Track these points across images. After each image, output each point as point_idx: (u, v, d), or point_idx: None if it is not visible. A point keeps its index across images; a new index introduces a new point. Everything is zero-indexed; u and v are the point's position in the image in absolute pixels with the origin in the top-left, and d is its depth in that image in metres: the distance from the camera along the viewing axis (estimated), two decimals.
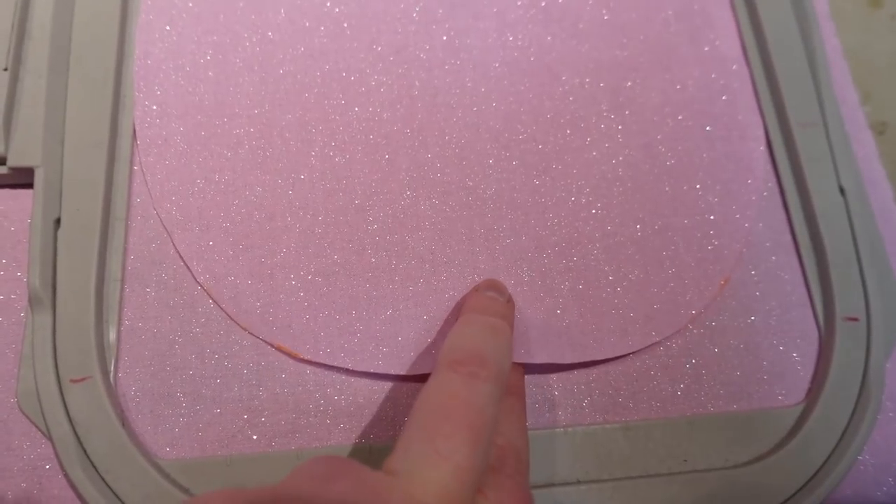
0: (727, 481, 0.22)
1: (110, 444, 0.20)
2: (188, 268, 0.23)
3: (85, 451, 0.20)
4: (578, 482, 0.21)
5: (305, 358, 0.22)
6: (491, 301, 0.22)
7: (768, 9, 0.28)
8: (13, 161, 0.22)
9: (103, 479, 0.20)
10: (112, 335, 0.22)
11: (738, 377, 0.23)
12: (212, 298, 0.22)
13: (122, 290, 0.22)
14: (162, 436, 0.21)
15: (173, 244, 0.23)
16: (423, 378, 0.22)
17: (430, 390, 0.17)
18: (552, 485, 0.21)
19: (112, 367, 0.21)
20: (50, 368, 0.20)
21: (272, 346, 0.22)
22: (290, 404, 0.22)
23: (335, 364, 0.22)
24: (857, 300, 0.24)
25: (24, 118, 0.23)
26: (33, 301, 0.21)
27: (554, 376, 0.23)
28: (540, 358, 0.22)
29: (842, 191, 0.26)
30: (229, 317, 0.22)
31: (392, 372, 0.22)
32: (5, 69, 0.23)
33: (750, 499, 0.21)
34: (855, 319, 0.24)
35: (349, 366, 0.22)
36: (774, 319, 0.24)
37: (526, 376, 0.23)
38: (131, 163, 0.24)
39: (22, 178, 0.23)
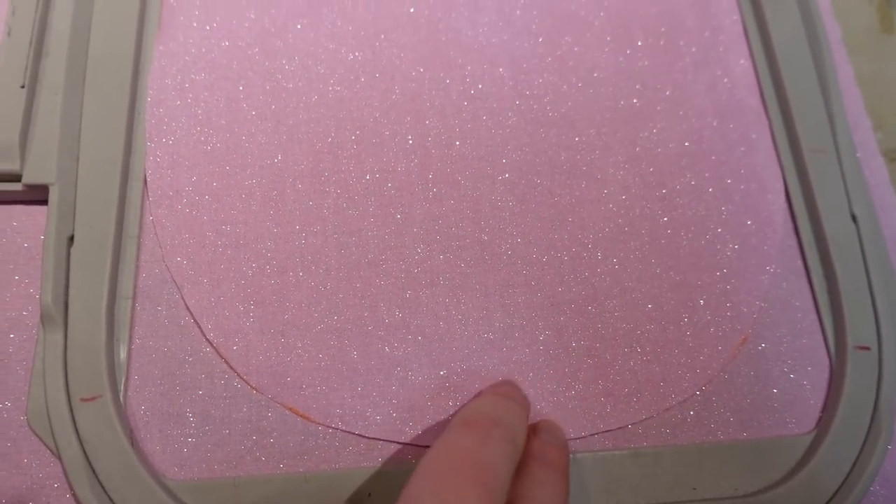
0: None
1: (119, 464, 0.20)
2: (198, 325, 0.22)
3: (94, 471, 0.20)
4: None
5: (319, 422, 0.22)
6: (548, 447, 0.20)
7: (781, 36, 0.28)
8: (28, 178, 0.22)
9: (111, 499, 0.20)
10: (123, 354, 0.22)
11: (749, 405, 0.23)
12: (221, 357, 0.22)
13: (134, 308, 0.22)
14: (170, 456, 0.21)
15: (183, 299, 0.23)
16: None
17: (441, 444, 0.17)
18: None
19: (122, 386, 0.21)
20: (60, 387, 0.20)
21: (284, 406, 0.22)
22: (298, 426, 0.22)
23: (348, 430, 0.22)
24: (869, 329, 0.24)
25: (40, 135, 0.23)
26: (45, 318, 0.21)
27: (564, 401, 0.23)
28: None
29: (854, 218, 0.25)
30: (239, 376, 0.22)
31: (405, 441, 0.22)
32: (22, 86, 0.23)
33: None
34: (867, 349, 0.24)
35: (362, 432, 0.22)
36: (785, 347, 0.24)
37: (536, 402, 0.22)
38: (144, 181, 0.24)
39: (36, 195, 0.23)
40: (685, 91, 0.28)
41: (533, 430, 0.21)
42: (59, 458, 0.20)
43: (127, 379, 0.22)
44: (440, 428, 0.22)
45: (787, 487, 0.22)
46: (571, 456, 0.22)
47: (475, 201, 0.25)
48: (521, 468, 0.19)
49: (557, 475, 0.19)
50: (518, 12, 0.28)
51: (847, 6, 0.31)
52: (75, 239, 0.22)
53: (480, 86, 0.27)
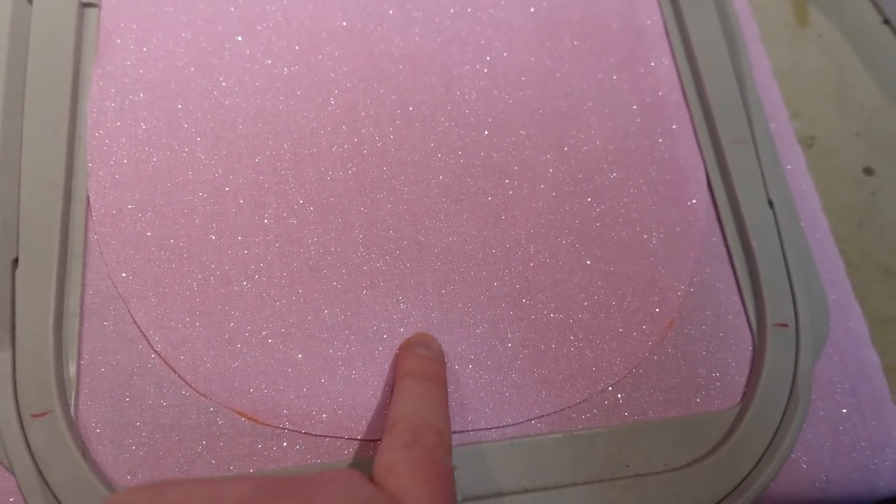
0: (666, 484, 0.23)
1: (71, 476, 0.21)
2: (145, 337, 0.23)
3: (47, 484, 0.21)
4: (525, 490, 0.22)
5: (265, 423, 0.23)
6: (424, 361, 0.23)
7: (700, 35, 0.30)
8: None
9: None
10: (72, 369, 0.23)
11: (677, 384, 0.25)
12: (169, 366, 0.23)
13: (81, 325, 0.23)
14: (123, 465, 0.22)
15: (130, 313, 0.23)
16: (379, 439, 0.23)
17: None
18: (501, 494, 0.22)
19: (73, 401, 0.22)
20: (10, 405, 0.21)
21: (232, 410, 0.23)
22: (247, 428, 0.23)
23: (296, 429, 0.23)
24: (787, 307, 0.25)
25: None
26: None
27: (502, 391, 0.24)
28: (496, 421, 0.23)
29: (770, 203, 0.27)
30: (187, 384, 0.23)
31: (354, 437, 0.23)
32: None
33: (689, 499, 0.22)
34: (785, 325, 0.25)
35: (309, 430, 0.23)
36: (710, 327, 0.26)
37: (475, 391, 0.24)
38: (87, 201, 0.25)
39: None
40: (610, 90, 0.29)
41: (407, 345, 0.23)
42: (13, 473, 0.21)
43: (77, 393, 0.22)
44: (383, 422, 0.23)
45: (714, 459, 0.23)
46: (509, 442, 0.23)
47: (411, 204, 0.26)
48: (398, 386, 0.21)
49: (433, 385, 0.21)
50: (448, 21, 0.29)
51: (764, 3, 0.33)
52: (20, 261, 0.23)
53: (413, 94, 0.28)
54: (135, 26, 0.28)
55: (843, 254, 0.27)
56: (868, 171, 0.30)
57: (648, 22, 0.31)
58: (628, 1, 0.31)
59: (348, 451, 0.23)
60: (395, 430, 0.20)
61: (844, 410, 0.25)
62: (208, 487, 0.16)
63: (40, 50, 0.26)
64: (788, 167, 0.29)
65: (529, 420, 0.24)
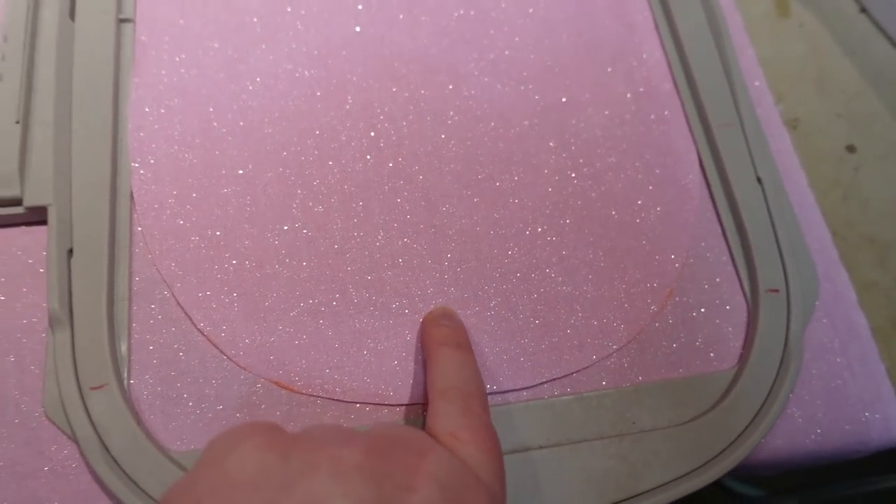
0: (671, 437, 0.25)
1: (129, 442, 0.23)
2: (189, 317, 0.25)
3: (107, 449, 0.23)
4: (541, 447, 0.24)
5: (302, 391, 0.25)
6: (454, 331, 0.25)
7: (687, 28, 0.32)
8: (28, 201, 0.25)
9: (125, 472, 0.23)
10: (124, 348, 0.25)
11: (678, 348, 0.27)
12: (211, 342, 0.25)
13: (130, 308, 0.25)
14: (173, 432, 0.24)
15: (174, 296, 0.26)
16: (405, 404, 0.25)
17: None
18: (517, 451, 0.24)
19: (126, 375, 0.24)
20: (71, 379, 0.23)
21: (270, 381, 0.25)
22: (283, 397, 0.25)
23: (328, 396, 0.25)
24: (777, 274, 0.27)
25: (36, 163, 0.26)
26: (53, 321, 0.24)
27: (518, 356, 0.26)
28: (511, 385, 0.25)
29: (759, 180, 0.29)
30: (228, 358, 0.25)
31: (383, 402, 0.25)
32: (17, 122, 0.26)
33: (691, 451, 0.24)
34: (776, 291, 0.27)
35: (340, 398, 0.25)
36: (707, 296, 0.28)
37: (489, 358, 0.26)
38: (131, 197, 0.27)
39: (36, 217, 0.26)
40: (606, 82, 0.31)
41: (432, 317, 0.25)
42: (76, 441, 0.23)
43: (129, 369, 0.25)
44: (408, 388, 0.25)
45: (714, 415, 0.25)
46: (525, 403, 0.25)
47: (426, 191, 0.28)
48: (435, 355, 0.23)
49: (468, 353, 0.24)
50: (453, 24, 0.32)
51: None
52: (74, 251, 0.25)
53: (423, 91, 0.30)
54: (167, 38, 0.30)
55: (829, 225, 0.29)
56: (850, 149, 0.32)
57: (639, 17, 0.33)
58: None
59: (377, 416, 0.25)
60: (447, 396, 0.22)
61: (836, 369, 0.27)
62: (328, 454, 0.17)
63: (84, 62, 0.29)
64: (775, 147, 0.31)
65: (542, 383, 0.26)
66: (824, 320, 0.28)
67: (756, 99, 0.32)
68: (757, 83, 0.32)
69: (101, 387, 0.24)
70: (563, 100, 0.31)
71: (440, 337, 0.24)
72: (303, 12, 0.31)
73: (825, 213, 0.30)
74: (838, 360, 0.27)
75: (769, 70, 0.33)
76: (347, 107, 0.30)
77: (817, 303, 0.28)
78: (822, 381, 0.27)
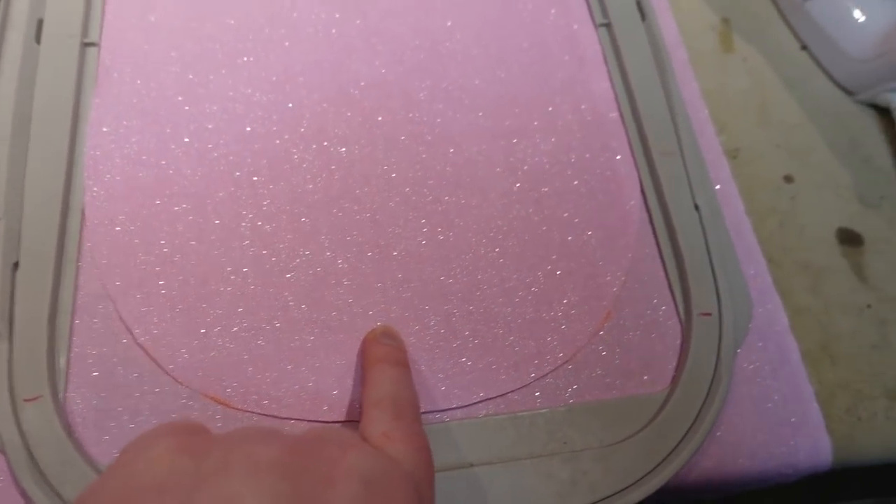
0: (600, 458, 0.25)
1: (58, 455, 0.23)
2: (129, 331, 0.26)
3: (35, 461, 0.23)
4: (472, 465, 0.25)
5: (237, 407, 0.25)
6: (393, 349, 0.25)
7: (634, 63, 0.33)
8: None
9: (51, 486, 0.23)
10: (63, 360, 0.25)
11: (613, 370, 0.27)
12: (150, 357, 0.25)
13: (73, 321, 0.26)
14: (105, 445, 0.24)
15: (117, 310, 0.26)
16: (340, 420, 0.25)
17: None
18: (449, 469, 0.24)
19: (62, 388, 0.25)
20: (5, 390, 0.24)
21: (206, 396, 0.25)
22: (219, 412, 0.25)
23: (264, 413, 0.25)
24: (710, 298, 0.28)
25: None
26: None
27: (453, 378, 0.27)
28: (447, 404, 0.26)
29: (696, 207, 0.30)
30: (165, 372, 0.25)
31: (317, 419, 0.25)
32: None
33: (619, 471, 0.25)
34: (708, 315, 0.28)
35: (275, 414, 0.25)
36: (643, 319, 0.28)
37: (428, 377, 0.26)
38: (83, 213, 0.28)
39: None
40: (555, 110, 0.32)
41: (374, 335, 0.26)
42: (4, 453, 0.23)
43: (67, 382, 0.25)
44: (344, 405, 0.25)
45: (643, 435, 0.25)
46: (459, 421, 0.25)
47: (373, 212, 0.29)
48: (371, 371, 0.24)
49: (404, 370, 0.24)
50: (409, 52, 0.33)
51: (693, 31, 0.36)
52: (20, 264, 0.26)
53: (378, 117, 0.31)
54: (130, 62, 0.31)
55: (765, 252, 0.30)
56: (788, 179, 0.33)
57: (589, 52, 0.34)
58: (570, 32, 0.35)
59: None
60: (380, 405, 0.22)
61: (766, 392, 0.27)
62: (243, 452, 0.17)
63: (47, 81, 0.30)
64: (715, 175, 0.32)
65: (476, 403, 0.26)
66: (758, 344, 0.28)
67: (698, 129, 0.33)
68: (700, 114, 0.34)
69: (34, 398, 0.24)
70: (512, 127, 0.32)
71: (378, 354, 0.25)
72: (264, 39, 0.33)
73: (762, 239, 0.31)
74: (769, 383, 0.27)
75: (713, 102, 0.34)
76: (302, 130, 0.31)
77: (750, 326, 0.28)
78: (752, 404, 0.27)
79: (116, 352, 0.26)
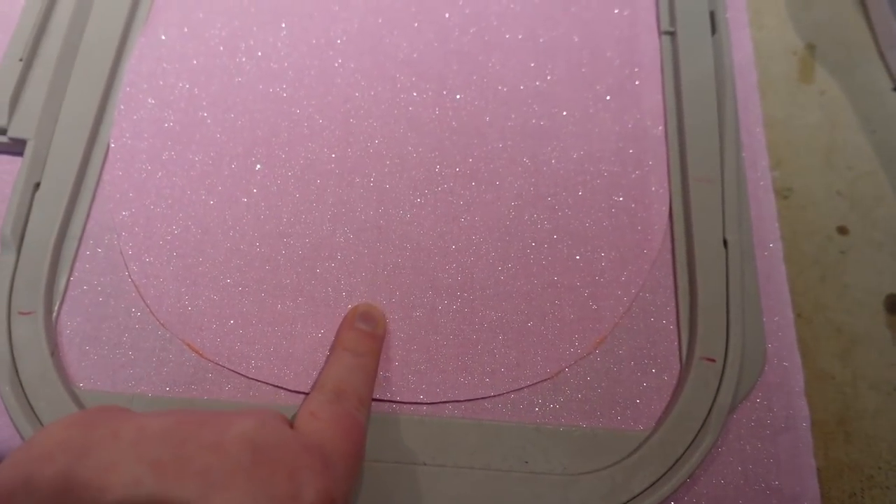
0: (558, 486, 0.24)
1: (38, 369, 0.24)
2: (126, 267, 0.26)
3: (17, 371, 0.24)
4: (424, 464, 0.24)
5: (209, 358, 0.25)
6: (362, 337, 0.25)
7: (692, 78, 0.31)
8: (12, 132, 0.28)
9: (26, 397, 0.24)
10: (62, 282, 0.26)
11: (595, 397, 0.26)
12: (139, 294, 0.26)
13: (79, 246, 0.27)
14: (83, 370, 0.25)
15: (119, 244, 0.27)
16: (303, 392, 0.25)
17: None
18: (399, 462, 0.24)
19: (56, 309, 0.26)
20: (4, 298, 0.25)
21: (183, 342, 0.25)
22: (192, 360, 0.26)
23: (233, 369, 0.25)
24: (718, 343, 0.26)
25: (28, 100, 0.28)
26: (2, 244, 0.26)
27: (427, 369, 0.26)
28: (413, 397, 0.25)
29: (725, 243, 0.27)
30: (151, 312, 0.26)
31: (283, 386, 0.25)
32: (21, 59, 0.28)
33: None
34: (712, 360, 0.26)
35: (243, 372, 0.25)
36: (641, 352, 0.26)
37: (399, 367, 0.26)
38: (108, 146, 0.29)
39: (19, 148, 0.28)
40: (595, 116, 0.30)
41: (351, 315, 0.25)
42: None
43: (62, 303, 0.26)
44: (310, 378, 0.25)
45: (609, 472, 0.24)
46: (421, 417, 0.25)
47: (381, 192, 0.29)
48: (333, 356, 0.24)
49: (366, 360, 0.24)
50: (456, 33, 0.32)
51: (770, 53, 0.33)
52: (41, 185, 0.27)
53: (404, 95, 0.31)
54: (182, 8, 0.32)
55: (796, 305, 0.27)
56: (842, 230, 0.29)
57: (646, 58, 0.32)
58: (630, 35, 0.32)
59: (276, 398, 0.25)
60: (323, 389, 0.22)
61: (760, 456, 0.25)
62: (136, 423, 0.17)
63: (99, 15, 0.31)
64: (757, 213, 0.29)
65: (444, 402, 0.25)
66: (763, 402, 0.26)
67: (750, 160, 0.30)
68: (756, 144, 0.31)
69: (28, 313, 0.25)
70: (544, 126, 0.30)
71: (345, 340, 0.24)
72: (311, 4, 0.32)
73: (795, 291, 0.28)
74: (766, 446, 0.25)
75: (775, 133, 0.31)
76: (329, 98, 0.30)
77: (758, 382, 0.26)
78: (741, 465, 0.25)
79: (112, 284, 0.27)
